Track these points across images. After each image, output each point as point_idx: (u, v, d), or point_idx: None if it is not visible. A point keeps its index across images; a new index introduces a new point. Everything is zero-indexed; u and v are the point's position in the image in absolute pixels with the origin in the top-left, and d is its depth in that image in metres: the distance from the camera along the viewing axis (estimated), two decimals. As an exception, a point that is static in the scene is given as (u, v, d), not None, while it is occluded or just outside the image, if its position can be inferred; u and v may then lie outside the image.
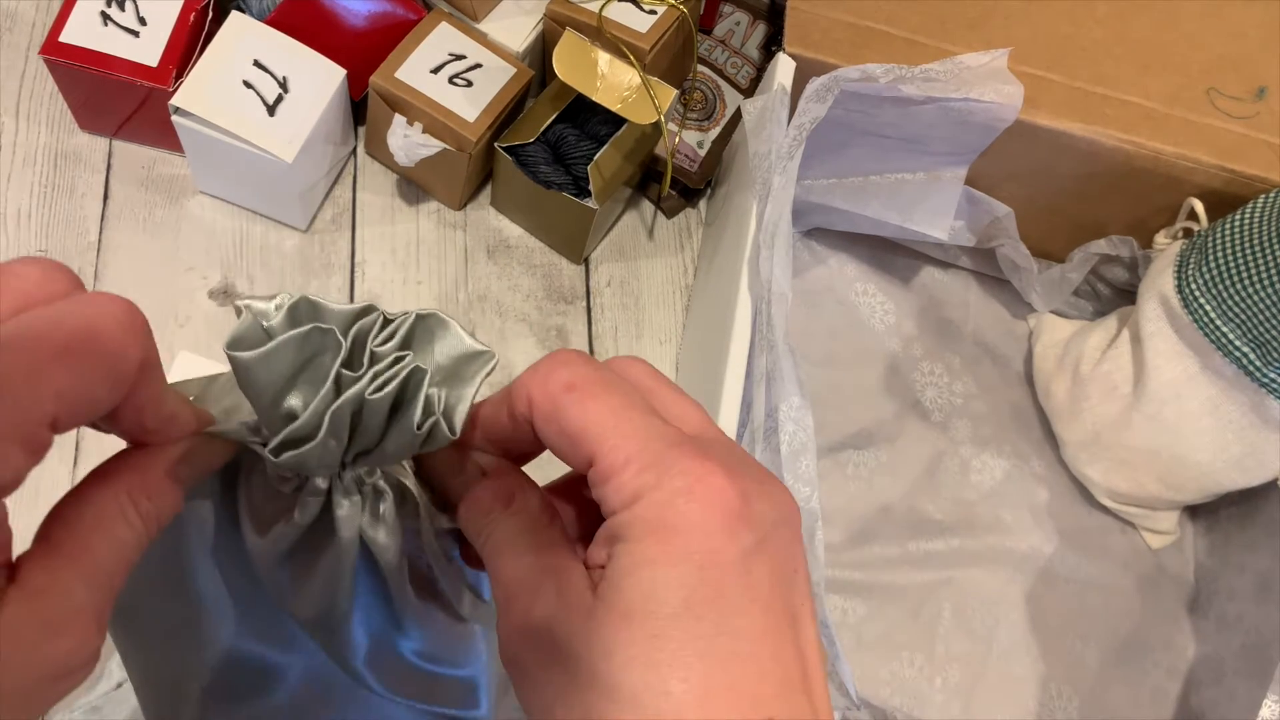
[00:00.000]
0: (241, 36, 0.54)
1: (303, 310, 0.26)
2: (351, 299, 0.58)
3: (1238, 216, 0.52)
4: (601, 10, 0.56)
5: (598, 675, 0.23)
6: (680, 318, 0.62)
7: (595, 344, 0.60)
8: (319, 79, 0.55)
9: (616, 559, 0.24)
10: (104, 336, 0.22)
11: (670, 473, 0.24)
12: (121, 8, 0.55)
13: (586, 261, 0.62)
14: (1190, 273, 0.53)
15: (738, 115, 0.64)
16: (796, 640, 0.24)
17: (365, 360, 0.26)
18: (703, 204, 0.65)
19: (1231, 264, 0.51)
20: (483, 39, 0.58)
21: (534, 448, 0.28)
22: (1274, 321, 0.49)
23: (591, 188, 0.56)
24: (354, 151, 0.62)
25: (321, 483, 0.28)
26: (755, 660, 0.23)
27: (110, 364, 0.22)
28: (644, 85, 0.54)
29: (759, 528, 0.24)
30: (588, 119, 0.57)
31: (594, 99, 0.54)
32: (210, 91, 0.53)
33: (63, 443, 0.51)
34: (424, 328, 0.27)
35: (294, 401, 0.26)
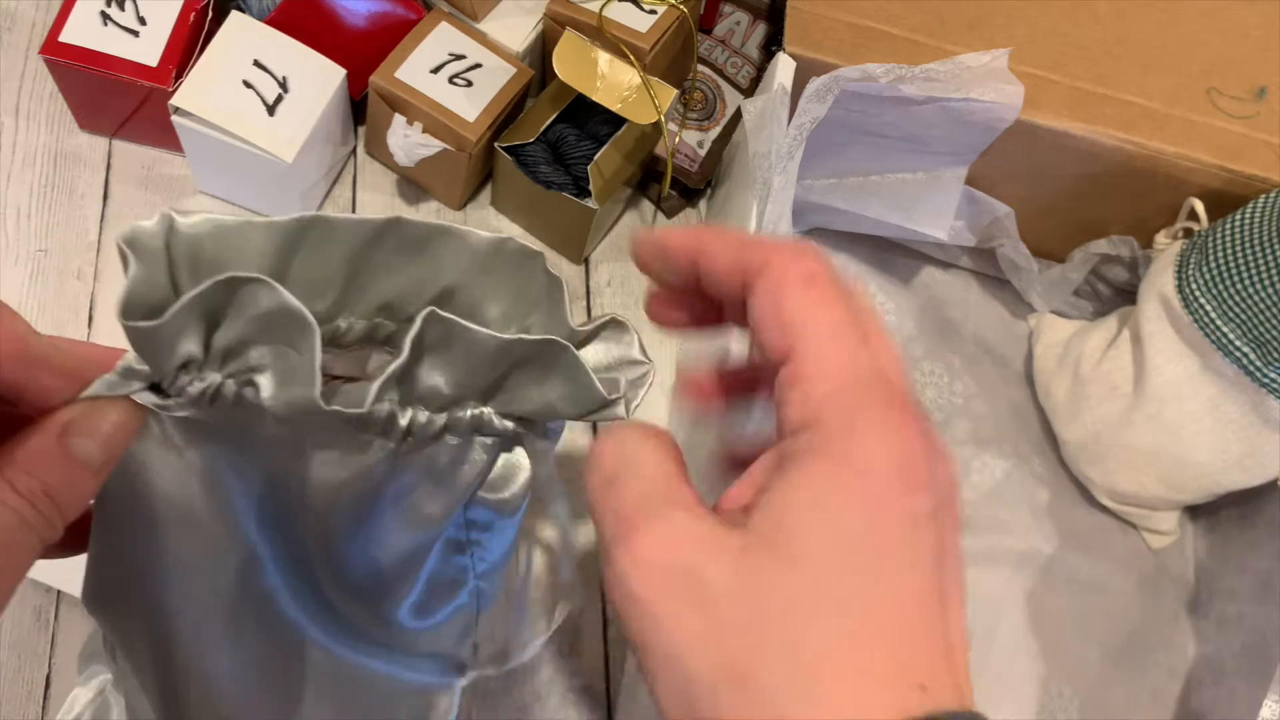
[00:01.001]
0: (241, 36, 0.54)
1: (230, 237, 0.25)
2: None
3: (1238, 216, 0.52)
4: (601, 10, 0.56)
5: (747, 618, 0.22)
6: (680, 318, 0.62)
7: (595, 344, 0.60)
8: (319, 79, 0.55)
9: (784, 491, 0.23)
10: None
11: (867, 407, 0.23)
12: (121, 7, 0.55)
13: (586, 261, 0.62)
14: (1190, 273, 0.53)
15: (738, 115, 0.64)
16: (945, 618, 0.23)
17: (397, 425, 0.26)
18: (703, 204, 0.65)
19: (1232, 264, 0.51)
20: (483, 39, 0.58)
21: (718, 308, 0.27)
22: (1274, 321, 0.49)
23: (591, 188, 0.56)
24: (354, 151, 0.62)
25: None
26: (908, 626, 0.22)
27: None
28: (644, 85, 0.54)
29: (934, 495, 0.23)
30: (588, 119, 0.57)
31: (594, 99, 0.54)
32: (210, 91, 0.53)
33: (62, 443, 0.51)
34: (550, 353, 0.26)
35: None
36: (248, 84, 0.53)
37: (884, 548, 0.22)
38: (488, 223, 0.62)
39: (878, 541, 0.22)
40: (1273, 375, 0.51)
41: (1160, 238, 0.58)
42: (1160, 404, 0.55)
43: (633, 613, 0.23)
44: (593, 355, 0.30)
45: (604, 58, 0.54)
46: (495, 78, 0.57)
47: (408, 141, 0.54)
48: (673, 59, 0.61)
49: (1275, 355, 0.50)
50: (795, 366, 0.24)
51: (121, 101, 0.56)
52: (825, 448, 0.23)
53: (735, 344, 0.38)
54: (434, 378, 0.26)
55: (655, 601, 0.23)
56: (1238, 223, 0.51)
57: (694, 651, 0.22)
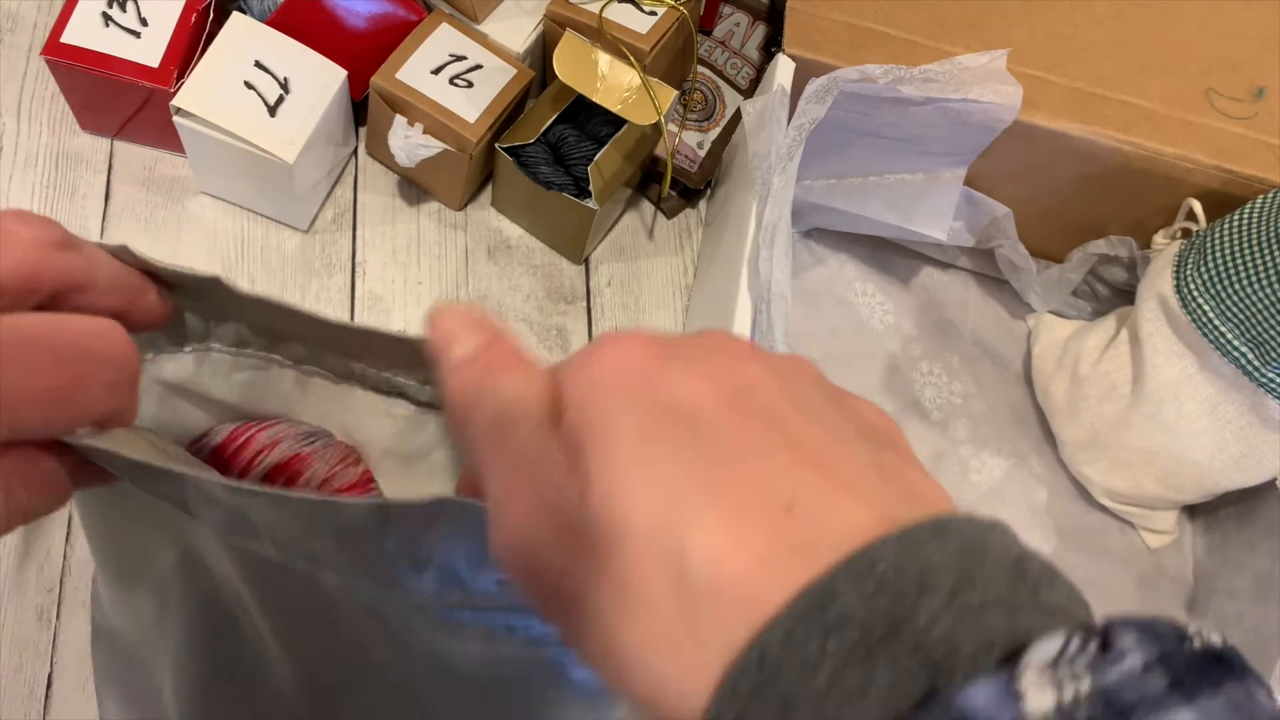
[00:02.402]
0: (243, 37, 0.54)
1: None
2: (352, 299, 0.59)
3: (1236, 217, 0.52)
4: (601, 11, 0.57)
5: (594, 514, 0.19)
6: (680, 318, 0.62)
7: (595, 344, 0.60)
8: (320, 80, 0.55)
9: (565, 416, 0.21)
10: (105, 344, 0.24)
11: (577, 357, 0.22)
12: (123, 8, 0.55)
13: (586, 262, 0.63)
14: (1189, 273, 0.53)
15: (738, 116, 0.64)
16: (830, 436, 0.20)
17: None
18: (703, 204, 0.66)
19: (1230, 264, 0.51)
20: (483, 40, 0.59)
21: None
22: (1272, 321, 0.49)
23: (591, 188, 0.56)
24: (355, 152, 0.62)
25: None
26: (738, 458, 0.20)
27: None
28: (644, 86, 0.54)
29: (682, 355, 0.21)
30: (588, 120, 0.58)
31: (594, 100, 0.54)
32: (211, 92, 0.53)
33: (64, 442, 0.51)
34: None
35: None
36: (249, 85, 0.53)
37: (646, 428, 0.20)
38: (488, 222, 0.62)
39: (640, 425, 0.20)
40: (1271, 375, 0.51)
41: (1158, 238, 0.58)
42: (1158, 404, 0.55)
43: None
44: None
45: (604, 59, 0.54)
46: (496, 79, 0.57)
47: (408, 142, 0.55)
48: (673, 60, 0.61)
49: (1273, 355, 0.50)
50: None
51: (123, 102, 0.56)
52: (571, 367, 0.22)
53: None
54: None
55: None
56: (1236, 223, 0.51)
57: (555, 559, 0.20)
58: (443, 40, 0.57)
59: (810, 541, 0.18)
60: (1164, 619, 0.17)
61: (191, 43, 0.55)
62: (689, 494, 0.19)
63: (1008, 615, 0.17)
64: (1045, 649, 0.16)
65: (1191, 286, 0.52)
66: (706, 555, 0.18)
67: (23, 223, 0.24)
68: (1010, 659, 0.17)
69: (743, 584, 0.18)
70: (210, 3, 0.56)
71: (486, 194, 0.63)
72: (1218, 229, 0.52)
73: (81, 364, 0.23)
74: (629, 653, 0.19)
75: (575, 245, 0.61)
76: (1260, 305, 0.50)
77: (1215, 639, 0.17)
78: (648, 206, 0.65)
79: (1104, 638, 0.17)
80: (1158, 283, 0.55)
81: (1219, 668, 0.17)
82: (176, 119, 0.53)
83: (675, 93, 0.55)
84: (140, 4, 0.55)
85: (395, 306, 0.59)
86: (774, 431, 0.20)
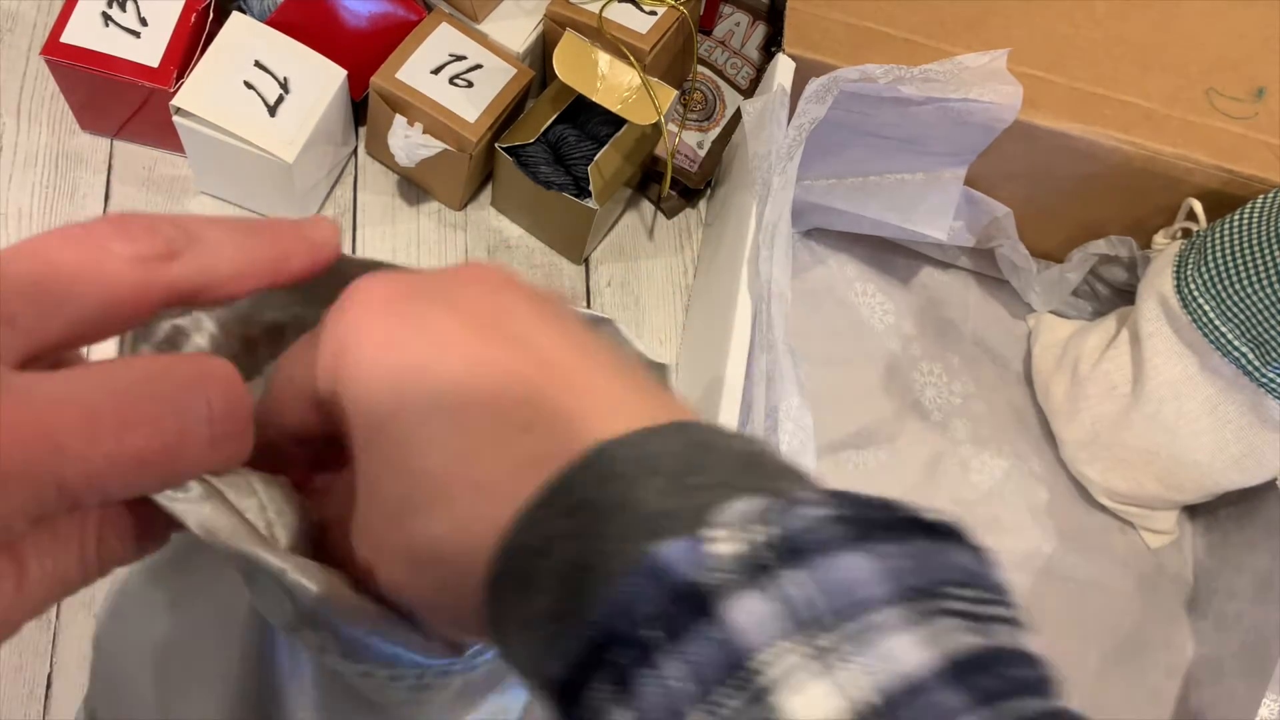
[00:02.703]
0: (242, 37, 0.54)
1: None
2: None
3: (1236, 217, 0.52)
4: (601, 11, 0.57)
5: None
6: (680, 318, 0.62)
7: (595, 344, 0.60)
8: (320, 79, 0.55)
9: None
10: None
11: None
12: (123, 8, 0.55)
13: (586, 262, 0.62)
14: (1189, 273, 0.53)
15: (738, 116, 0.64)
16: (539, 343, 0.22)
17: None
18: (703, 204, 0.66)
19: (1230, 264, 0.51)
20: (483, 39, 0.59)
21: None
22: (1272, 321, 0.49)
23: (591, 188, 0.56)
24: (355, 152, 0.62)
25: None
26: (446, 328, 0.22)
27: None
28: (644, 86, 0.54)
29: (431, 289, 0.23)
30: (588, 119, 0.58)
31: (594, 100, 0.54)
32: (211, 92, 0.53)
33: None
34: None
35: None
36: (249, 84, 0.53)
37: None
38: (488, 222, 0.62)
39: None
40: (1271, 375, 0.51)
41: (1159, 238, 0.58)
42: (1159, 404, 0.55)
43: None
44: None
45: (604, 58, 0.54)
46: (496, 78, 0.57)
47: (408, 142, 0.55)
48: (673, 60, 0.61)
49: (1273, 355, 0.50)
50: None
51: (123, 102, 0.56)
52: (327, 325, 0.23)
53: None
54: None
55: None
56: (1236, 223, 0.51)
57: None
58: (443, 40, 0.57)
59: (549, 454, 0.20)
60: (877, 496, 0.19)
61: (191, 43, 0.55)
62: (431, 420, 0.21)
63: (726, 494, 0.19)
64: (740, 508, 0.18)
65: (1192, 286, 0.52)
66: (453, 481, 0.21)
67: (119, 236, 0.21)
68: None
69: (489, 496, 0.20)
70: (210, 3, 0.56)
71: (486, 194, 0.63)
72: (1218, 229, 0.52)
73: (181, 423, 0.20)
74: (420, 551, 0.21)
75: (575, 245, 0.61)
76: (1260, 305, 0.50)
77: (930, 515, 0.19)
78: (648, 206, 0.65)
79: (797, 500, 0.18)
80: (1158, 283, 0.55)
81: (918, 531, 0.19)
82: (176, 119, 0.53)
83: (675, 93, 0.55)
84: (140, 4, 0.55)
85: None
86: (523, 353, 0.22)
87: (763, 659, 0.17)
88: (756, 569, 0.17)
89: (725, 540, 0.18)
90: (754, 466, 0.20)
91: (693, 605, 0.17)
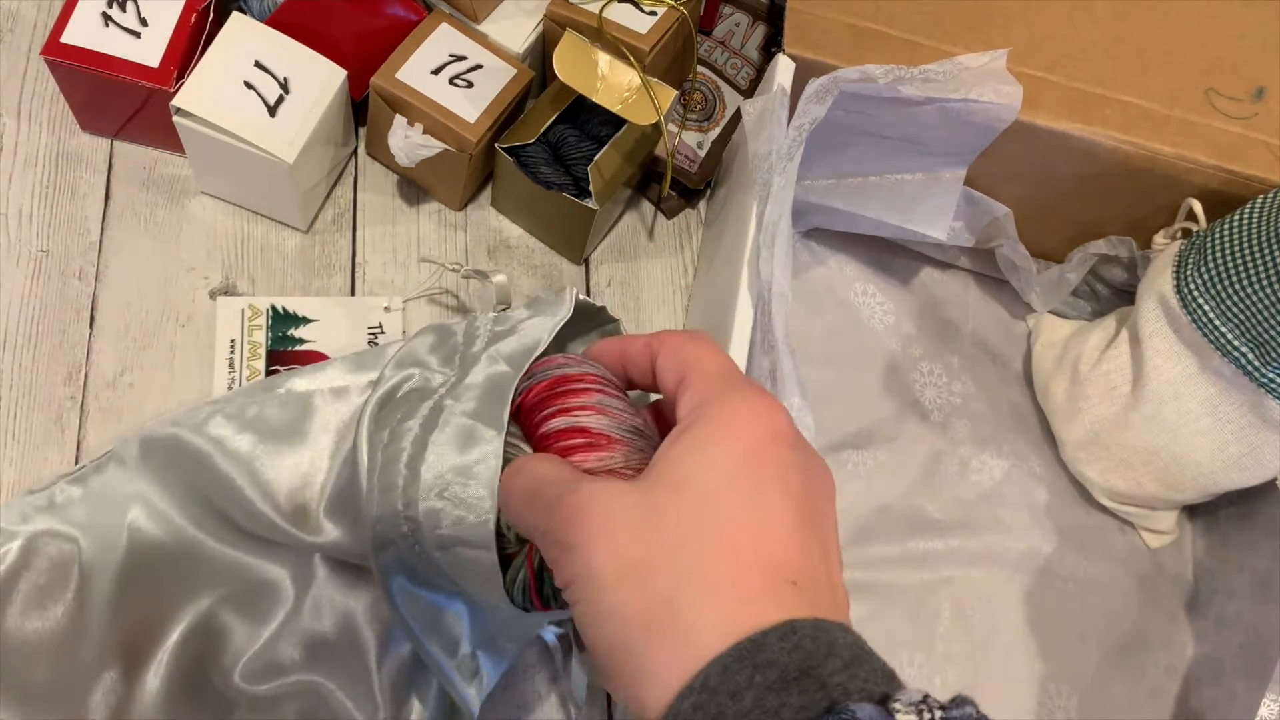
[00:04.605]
0: (242, 37, 0.54)
1: None
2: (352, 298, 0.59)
3: (1236, 217, 0.52)
4: (601, 11, 0.57)
5: (643, 532, 0.28)
6: (680, 318, 0.62)
7: (595, 344, 0.60)
8: (320, 80, 0.55)
9: (673, 447, 0.30)
10: None
11: (743, 388, 0.31)
12: (123, 9, 0.55)
13: (586, 262, 0.62)
14: (1189, 273, 0.53)
15: (738, 116, 0.64)
16: (824, 546, 0.29)
17: None
18: (702, 204, 0.66)
19: (1230, 264, 0.51)
20: (483, 40, 0.59)
21: (645, 379, 0.36)
22: (1272, 321, 0.49)
23: (591, 188, 0.56)
24: (355, 152, 0.62)
25: None
26: (781, 538, 0.28)
27: None
28: (644, 86, 0.54)
29: (797, 452, 0.30)
30: (588, 120, 0.58)
31: (594, 100, 0.54)
32: (211, 92, 0.53)
33: (64, 442, 0.51)
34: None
35: None
36: (249, 85, 0.53)
37: (757, 479, 0.28)
38: (488, 222, 0.62)
39: (751, 474, 0.28)
40: (1271, 375, 0.51)
41: (1159, 238, 0.58)
42: (1159, 404, 0.55)
43: (562, 559, 0.29)
44: None
45: (604, 59, 0.54)
46: (496, 79, 0.57)
47: (408, 142, 0.55)
48: (672, 60, 0.61)
49: (1273, 355, 0.50)
50: (686, 383, 0.32)
51: (123, 102, 0.56)
52: (708, 414, 0.30)
53: None
54: None
55: (576, 539, 0.29)
56: (1236, 223, 0.52)
57: (603, 562, 0.28)
58: (443, 40, 0.57)
59: (747, 614, 0.27)
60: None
61: (191, 43, 0.55)
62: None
63: (879, 684, 0.26)
64: (910, 695, 0.25)
65: (1192, 286, 0.52)
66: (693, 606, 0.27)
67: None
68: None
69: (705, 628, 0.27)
70: (210, 3, 0.56)
71: (486, 194, 0.63)
72: (1218, 229, 0.52)
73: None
74: (630, 667, 0.27)
75: (575, 245, 0.61)
76: (1260, 305, 0.50)
77: None
78: (648, 206, 0.65)
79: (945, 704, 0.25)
80: (1158, 283, 0.55)
81: None
82: (176, 119, 0.53)
83: (675, 93, 0.55)
84: (140, 4, 0.55)
85: (395, 305, 0.59)
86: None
87: None
88: None
89: (904, 714, 0.24)
90: (889, 673, 0.27)
91: None
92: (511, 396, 0.38)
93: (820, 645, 0.26)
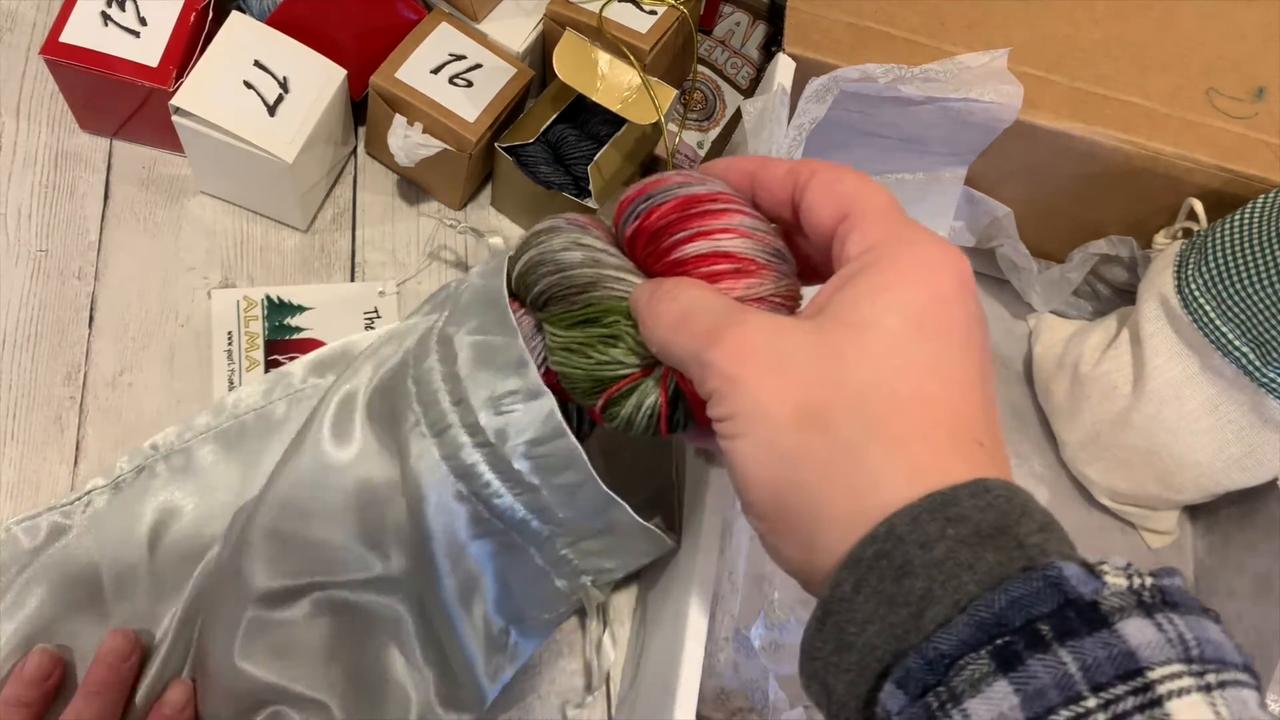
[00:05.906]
0: (242, 36, 0.54)
1: None
2: (352, 299, 0.59)
3: (1237, 217, 0.52)
4: (601, 10, 0.56)
5: (821, 372, 0.26)
6: (680, 318, 0.62)
7: (595, 344, 0.60)
8: (319, 79, 0.55)
9: (854, 286, 0.27)
10: None
11: (923, 235, 0.28)
12: (122, 8, 0.55)
13: (586, 261, 0.62)
14: (1190, 273, 0.53)
15: (738, 115, 0.64)
16: (990, 402, 0.28)
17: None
18: (703, 204, 0.65)
19: (1231, 264, 0.51)
20: (483, 39, 0.59)
21: (780, 209, 0.33)
22: (1273, 321, 0.49)
23: (591, 188, 0.56)
24: (354, 151, 0.62)
25: None
26: (967, 391, 0.27)
27: None
28: (644, 85, 0.54)
29: (980, 305, 0.28)
30: (588, 119, 0.58)
31: (594, 99, 0.54)
32: (211, 92, 0.53)
33: (63, 442, 0.51)
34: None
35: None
36: (248, 84, 0.53)
37: (946, 330, 0.26)
38: (488, 222, 0.62)
39: (940, 324, 0.27)
40: (1272, 375, 0.51)
41: (1159, 238, 0.58)
42: (1159, 404, 0.55)
43: (725, 391, 0.27)
44: None
45: (604, 58, 0.54)
46: (495, 78, 0.57)
47: (408, 142, 0.55)
48: (673, 59, 0.61)
49: (1274, 355, 0.50)
50: (853, 220, 0.29)
51: (122, 102, 0.56)
52: (890, 255, 0.28)
53: None
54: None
55: (742, 373, 0.27)
56: (1237, 223, 0.51)
57: (777, 401, 0.26)
58: (442, 40, 0.57)
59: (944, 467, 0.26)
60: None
61: (191, 42, 0.55)
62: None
63: (1072, 552, 0.25)
64: (1116, 560, 0.24)
65: (1192, 286, 0.52)
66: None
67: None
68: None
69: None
70: (210, 2, 0.56)
71: (486, 194, 0.63)
72: (1218, 229, 0.52)
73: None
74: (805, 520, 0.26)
75: (575, 245, 0.60)
76: (1261, 305, 0.49)
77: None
78: (648, 206, 0.65)
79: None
80: (1159, 283, 0.55)
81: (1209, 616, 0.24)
82: (176, 119, 0.53)
83: (675, 92, 0.55)
84: (139, 3, 0.55)
85: (394, 305, 0.59)
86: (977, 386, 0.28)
87: (1158, 673, 0.21)
88: (1143, 605, 0.22)
89: (1114, 576, 0.23)
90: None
91: (1090, 617, 0.22)
92: (505, 288, 0.40)
93: (1015, 506, 0.25)
